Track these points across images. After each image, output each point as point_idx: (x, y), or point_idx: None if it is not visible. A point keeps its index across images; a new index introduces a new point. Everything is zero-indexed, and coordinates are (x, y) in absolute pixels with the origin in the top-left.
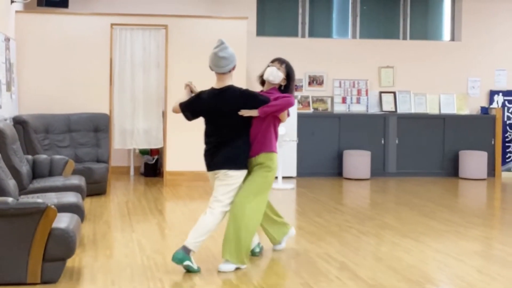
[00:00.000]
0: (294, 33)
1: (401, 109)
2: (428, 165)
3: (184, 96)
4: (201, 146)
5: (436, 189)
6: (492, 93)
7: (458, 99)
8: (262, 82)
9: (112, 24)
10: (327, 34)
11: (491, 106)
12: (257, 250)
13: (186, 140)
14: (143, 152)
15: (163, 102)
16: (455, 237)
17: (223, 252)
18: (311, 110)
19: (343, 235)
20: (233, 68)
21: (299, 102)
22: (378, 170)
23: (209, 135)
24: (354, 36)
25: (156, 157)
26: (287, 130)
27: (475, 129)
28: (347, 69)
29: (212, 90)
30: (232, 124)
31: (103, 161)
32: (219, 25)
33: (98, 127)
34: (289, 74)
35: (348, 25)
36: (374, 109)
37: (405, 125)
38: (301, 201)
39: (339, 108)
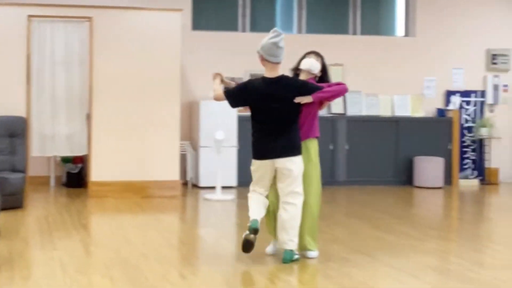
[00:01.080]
0: (233, 27)
1: (351, 111)
2: (380, 172)
3: (218, 86)
4: (130, 153)
5: (389, 199)
6: (449, 94)
7: (413, 100)
8: (296, 75)
9: (29, 16)
10: (270, 28)
11: (448, 108)
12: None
13: (114, 146)
14: (65, 160)
15: (87, 103)
16: (409, 251)
17: (305, 244)
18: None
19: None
20: None
21: None
22: (326, 178)
23: (261, 123)
24: (299, 31)
25: (79, 165)
26: (226, 134)
27: (430, 133)
28: (292, 66)
29: (266, 79)
30: (287, 111)
31: (20, 171)
32: (150, 18)
33: (13, 132)
34: (324, 66)
35: (293, 19)
36: (321, 112)
37: (355, 128)
38: (242, 213)
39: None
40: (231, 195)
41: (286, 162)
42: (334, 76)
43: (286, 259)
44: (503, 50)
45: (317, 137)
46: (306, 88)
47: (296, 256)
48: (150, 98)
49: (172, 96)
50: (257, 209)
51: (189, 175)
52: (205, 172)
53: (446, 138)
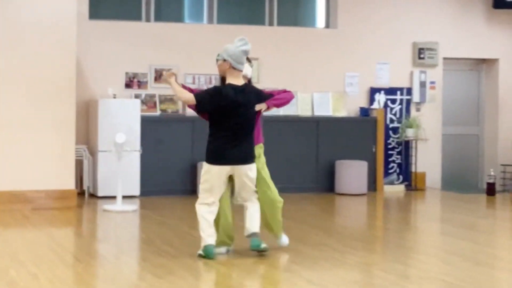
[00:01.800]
0: (136, 17)
1: (267, 111)
2: (299, 178)
3: (179, 87)
4: (17, 159)
5: (308, 208)
6: (373, 91)
7: (334, 98)
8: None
9: None
10: (178, 18)
11: (372, 107)
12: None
13: None
14: None
15: None
16: (331, 265)
17: (275, 231)
18: (158, 113)
19: (199, 267)
20: None
21: (142, 102)
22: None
23: (227, 130)
24: (210, 21)
25: None
26: (128, 137)
27: (353, 134)
28: (202, 61)
29: (234, 86)
30: (251, 118)
31: None
32: (40, 5)
33: None
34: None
35: (203, 7)
36: None
37: (271, 130)
38: (146, 226)
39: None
40: (133, 206)
41: (247, 169)
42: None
43: (256, 245)
44: (431, 44)
45: (261, 142)
46: (262, 96)
47: (263, 245)
48: (40, 96)
49: (66, 94)
50: (211, 230)
51: (86, 184)
52: (104, 180)
53: (370, 140)
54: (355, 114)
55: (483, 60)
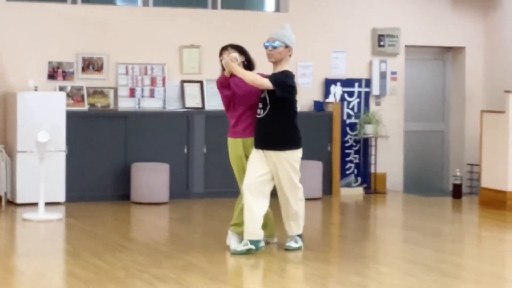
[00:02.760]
0: None
1: (211, 105)
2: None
3: (245, 70)
4: None
5: None
6: (328, 83)
7: None
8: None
9: None
10: None
11: (327, 100)
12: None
13: None
14: None
15: None
16: (279, 277)
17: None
18: (86, 107)
19: (132, 282)
20: None
21: (68, 95)
22: (180, 190)
23: (295, 115)
24: (145, 3)
25: None
26: (52, 135)
27: (306, 131)
28: (136, 49)
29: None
30: None
31: None
32: None
33: None
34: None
35: None
36: (173, 105)
37: (216, 127)
38: (72, 236)
39: (126, 104)
40: (58, 214)
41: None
42: (188, 60)
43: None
44: (391, 30)
45: None
46: None
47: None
48: None
49: None
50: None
51: (3, 190)
52: (24, 184)
53: (325, 138)
54: (308, 109)
55: (449, 48)
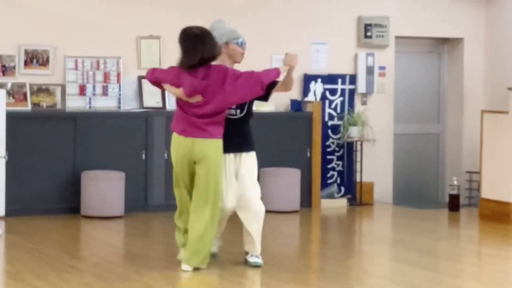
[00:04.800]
0: None
1: (173, 105)
2: None
3: None
4: None
5: (230, 229)
6: (308, 79)
7: None
8: None
9: None
10: None
11: (306, 99)
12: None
13: None
14: None
15: None
16: None
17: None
18: (29, 107)
19: None
20: None
21: (9, 93)
22: (138, 201)
23: None
24: None
25: None
26: None
27: (282, 134)
28: (87, 40)
29: None
30: None
31: None
32: None
33: None
34: None
35: None
36: (130, 105)
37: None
38: (13, 255)
39: (75, 104)
40: None
41: None
42: (146, 53)
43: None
44: (380, 19)
45: None
46: None
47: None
48: None
49: None
50: None
51: None
52: None
53: (304, 142)
54: (284, 109)
55: (445, 40)
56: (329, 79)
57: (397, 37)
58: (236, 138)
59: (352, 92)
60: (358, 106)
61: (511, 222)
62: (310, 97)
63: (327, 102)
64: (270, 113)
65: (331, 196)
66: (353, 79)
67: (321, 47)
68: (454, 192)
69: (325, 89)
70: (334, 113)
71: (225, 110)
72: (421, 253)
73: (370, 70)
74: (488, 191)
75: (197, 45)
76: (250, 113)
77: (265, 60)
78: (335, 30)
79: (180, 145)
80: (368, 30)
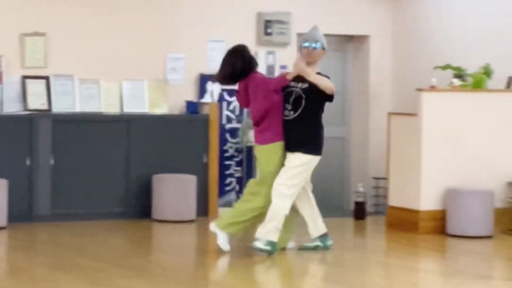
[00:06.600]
0: None
1: (59, 107)
2: (102, 200)
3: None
4: None
5: (114, 241)
6: (204, 79)
7: (152, 89)
8: None
9: None
10: None
11: (202, 101)
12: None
13: None
14: None
15: None
16: None
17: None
18: None
19: None
20: None
21: None
22: (21, 211)
23: None
24: None
25: None
26: None
27: (177, 138)
28: None
29: None
30: None
31: None
32: None
33: None
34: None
35: None
36: (13, 107)
37: (66, 133)
38: None
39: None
40: None
41: None
42: (31, 51)
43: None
44: (281, 15)
45: None
46: None
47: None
48: None
49: None
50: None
51: None
52: None
53: (200, 146)
54: (179, 111)
55: (350, 37)
56: None
57: (299, 35)
58: (289, 138)
59: None
60: None
61: (419, 231)
62: (207, 99)
63: (224, 103)
64: (164, 116)
65: (229, 205)
66: None
67: (217, 46)
68: (360, 199)
69: (222, 90)
70: (232, 116)
71: (264, 117)
72: (325, 265)
73: (270, 69)
74: (395, 199)
75: (226, 59)
76: (304, 115)
77: (158, 61)
78: (233, 27)
79: None
80: (268, 27)
